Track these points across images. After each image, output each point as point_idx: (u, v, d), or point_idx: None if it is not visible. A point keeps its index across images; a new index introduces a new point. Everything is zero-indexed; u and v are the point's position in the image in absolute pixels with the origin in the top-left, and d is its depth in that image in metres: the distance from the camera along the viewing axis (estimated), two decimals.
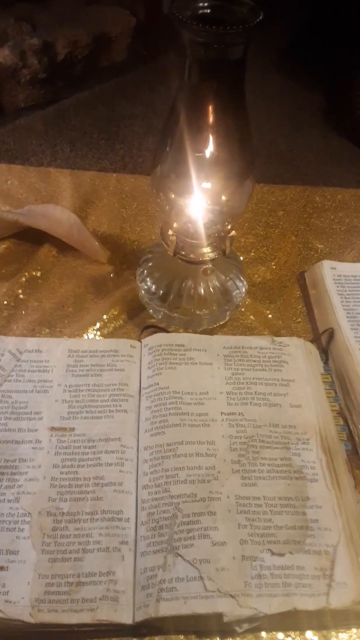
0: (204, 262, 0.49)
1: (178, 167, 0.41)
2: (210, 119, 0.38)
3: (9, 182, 0.70)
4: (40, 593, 0.35)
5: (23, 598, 0.35)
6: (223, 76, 0.37)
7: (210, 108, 0.38)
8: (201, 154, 0.40)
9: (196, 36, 0.33)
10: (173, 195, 0.45)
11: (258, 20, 0.32)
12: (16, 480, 0.41)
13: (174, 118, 0.39)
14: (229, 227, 0.47)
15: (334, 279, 0.57)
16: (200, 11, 0.35)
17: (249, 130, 0.40)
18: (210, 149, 0.40)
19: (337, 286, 0.56)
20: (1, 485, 0.40)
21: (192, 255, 0.49)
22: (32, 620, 0.34)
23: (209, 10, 0.35)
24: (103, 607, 0.35)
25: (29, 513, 0.39)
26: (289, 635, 0.37)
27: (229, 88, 0.37)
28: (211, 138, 0.39)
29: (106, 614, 0.35)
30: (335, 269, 0.58)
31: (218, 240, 0.48)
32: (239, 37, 0.33)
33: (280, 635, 0.37)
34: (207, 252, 0.48)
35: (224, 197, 0.45)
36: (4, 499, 0.40)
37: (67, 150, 1.85)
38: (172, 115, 0.40)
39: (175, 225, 0.47)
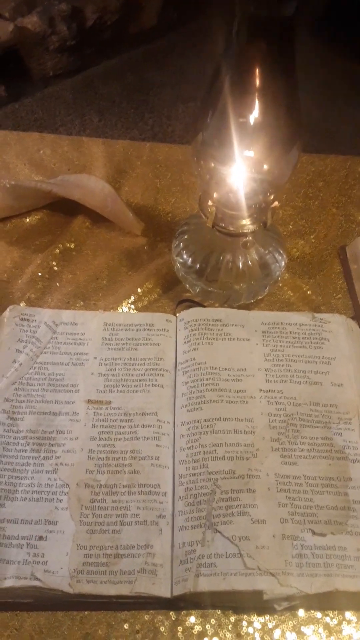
0: (243, 235, 0.47)
1: (221, 133, 0.40)
2: (258, 82, 0.36)
3: (41, 152, 0.69)
4: (79, 564, 0.36)
5: (62, 568, 0.35)
6: (273, 36, 0.34)
7: (258, 70, 0.36)
8: (246, 120, 0.38)
9: None
10: (214, 164, 0.43)
11: None
12: (54, 451, 0.41)
13: (218, 82, 0.37)
14: (272, 197, 0.45)
15: None
16: None
17: (297, 95, 0.38)
18: (255, 114, 0.38)
19: None
20: (39, 456, 0.40)
21: (231, 227, 0.47)
22: (71, 591, 0.35)
23: None
24: (141, 580, 0.35)
25: (67, 484, 0.39)
26: (327, 615, 0.37)
27: (278, 49, 0.35)
28: (257, 103, 0.37)
29: (144, 587, 0.35)
30: None
31: (259, 211, 0.46)
32: None
33: (319, 614, 0.36)
34: (247, 224, 0.47)
35: (266, 166, 0.43)
36: (43, 470, 0.40)
37: (95, 120, 1.82)
38: (216, 79, 0.38)
39: (215, 195, 0.45)
